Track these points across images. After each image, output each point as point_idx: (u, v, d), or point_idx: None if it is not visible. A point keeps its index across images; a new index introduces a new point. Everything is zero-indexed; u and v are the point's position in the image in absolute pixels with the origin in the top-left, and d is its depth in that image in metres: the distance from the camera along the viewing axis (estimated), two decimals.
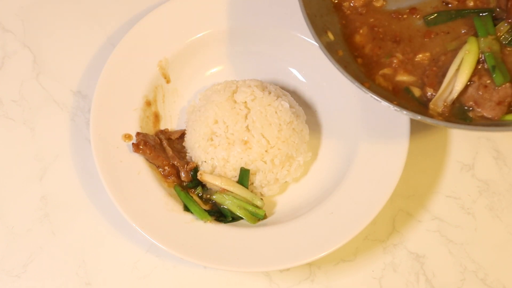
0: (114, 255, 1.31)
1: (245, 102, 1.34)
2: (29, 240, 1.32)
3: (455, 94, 1.15)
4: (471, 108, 1.15)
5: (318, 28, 1.15)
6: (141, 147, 1.30)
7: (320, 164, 1.38)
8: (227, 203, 1.29)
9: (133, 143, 1.31)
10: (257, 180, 1.32)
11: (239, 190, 1.30)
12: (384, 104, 1.07)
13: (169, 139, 1.37)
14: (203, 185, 1.33)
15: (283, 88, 1.43)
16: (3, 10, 1.55)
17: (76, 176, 1.37)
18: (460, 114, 1.15)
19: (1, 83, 1.47)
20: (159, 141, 1.36)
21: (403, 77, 1.19)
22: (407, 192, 1.36)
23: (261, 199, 1.31)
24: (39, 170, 1.38)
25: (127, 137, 1.33)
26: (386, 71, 1.20)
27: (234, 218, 1.29)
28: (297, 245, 1.22)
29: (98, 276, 1.29)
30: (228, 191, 1.30)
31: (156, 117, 1.40)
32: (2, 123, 1.43)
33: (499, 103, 1.13)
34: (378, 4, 1.25)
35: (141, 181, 1.29)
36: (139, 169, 1.30)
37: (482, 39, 1.17)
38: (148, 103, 1.38)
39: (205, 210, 1.28)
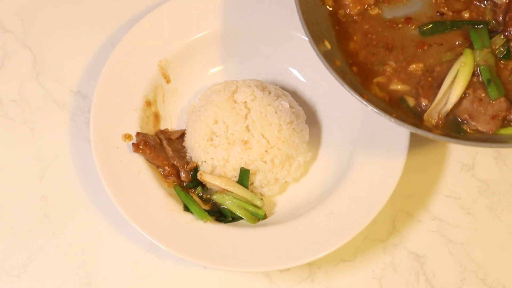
0: (114, 255, 1.31)
1: (245, 102, 1.34)
2: (29, 240, 1.32)
3: (449, 106, 1.14)
4: (465, 121, 1.14)
5: (316, 37, 1.15)
6: (141, 147, 1.30)
7: (320, 164, 1.38)
8: (227, 203, 1.29)
9: (133, 143, 1.31)
10: (257, 180, 1.32)
11: (239, 190, 1.30)
12: (384, 117, 1.06)
13: (169, 139, 1.37)
14: (203, 185, 1.33)
15: (283, 88, 1.43)
16: (3, 10, 1.54)
17: (76, 176, 1.37)
18: (454, 126, 1.15)
19: (1, 83, 1.47)
20: (159, 141, 1.36)
21: (397, 86, 1.19)
22: (407, 192, 1.36)
23: (261, 199, 1.31)
24: (39, 170, 1.38)
25: (127, 137, 1.33)
26: (380, 79, 1.19)
27: (234, 218, 1.29)
28: (297, 245, 1.22)
29: (98, 276, 1.29)
30: (228, 191, 1.30)
31: (156, 117, 1.40)
32: (2, 123, 1.43)
33: (493, 117, 1.13)
34: (373, 12, 1.25)
35: (141, 181, 1.29)
36: (139, 169, 1.30)
37: (478, 51, 1.16)
38: (148, 103, 1.38)
39: (205, 210, 1.28)
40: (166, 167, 1.32)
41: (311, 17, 1.18)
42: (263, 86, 1.37)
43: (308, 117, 1.41)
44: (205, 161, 1.33)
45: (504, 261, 1.32)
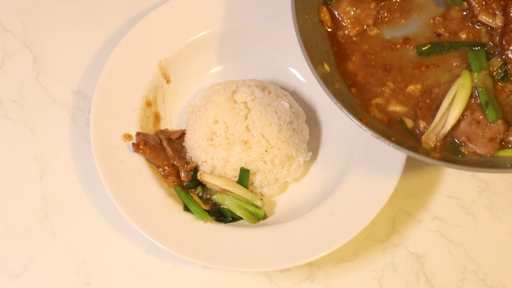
0: (114, 255, 1.31)
1: (245, 102, 1.34)
2: (29, 240, 1.32)
3: (447, 128, 1.14)
4: (463, 143, 1.14)
5: (315, 59, 1.14)
6: (141, 147, 1.30)
7: (320, 164, 1.38)
8: (227, 203, 1.29)
9: (133, 143, 1.31)
10: (257, 180, 1.32)
11: (239, 190, 1.30)
12: (383, 142, 1.07)
13: (169, 139, 1.37)
14: (203, 185, 1.33)
15: (283, 88, 1.43)
16: (3, 10, 1.54)
17: (76, 176, 1.37)
18: (452, 149, 1.14)
19: (1, 83, 1.47)
20: (159, 141, 1.36)
21: (395, 108, 1.18)
22: (407, 192, 1.36)
23: (261, 199, 1.31)
24: (39, 170, 1.38)
25: (127, 137, 1.33)
26: (378, 100, 1.19)
27: (234, 218, 1.29)
28: (297, 245, 1.22)
29: (98, 276, 1.29)
30: (228, 191, 1.30)
31: (156, 117, 1.40)
32: (2, 123, 1.43)
33: (491, 139, 1.13)
34: (372, 33, 1.24)
35: (141, 181, 1.29)
36: (139, 169, 1.30)
37: (475, 73, 1.16)
38: (148, 103, 1.38)
39: (205, 210, 1.28)
40: (166, 167, 1.32)
41: (310, 39, 1.18)
42: (263, 86, 1.37)
43: (308, 117, 1.41)
44: (205, 161, 1.33)
45: (504, 261, 1.32)
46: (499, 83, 1.17)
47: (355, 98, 1.19)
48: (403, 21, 1.25)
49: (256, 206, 1.30)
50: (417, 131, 1.16)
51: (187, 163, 1.34)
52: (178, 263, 1.30)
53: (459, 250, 1.32)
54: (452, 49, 1.21)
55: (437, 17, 1.23)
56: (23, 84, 1.47)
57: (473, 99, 1.15)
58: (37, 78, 1.47)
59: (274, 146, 1.32)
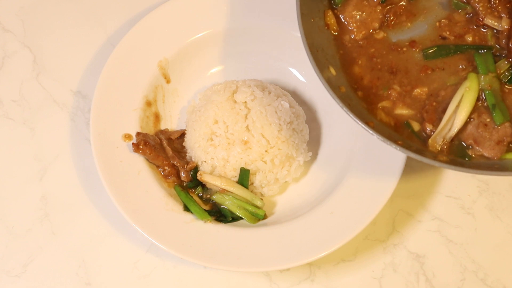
0: (114, 255, 1.31)
1: (245, 102, 1.34)
2: (29, 240, 1.32)
3: (454, 131, 1.13)
4: (470, 146, 1.14)
5: (320, 63, 1.14)
6: (141, 147, 1.30)
7: (320, 164, 1.38)
8: (227, 203, 1.29)
9: (133, 143, 1.31)
10: (257, 180, 1.32)
11: (239, 190, 1.30)
12: (390, 145, 1.06)
13: (169, 139, 1.37)
14: (203, 185, 1.33)
15: (283, 88, 1.43)
16: (3, 10, 1.54)
17: (76, 176, 1.37)
18: (459, 151, 1.14)
19: (1, 83, 1.47)
20: (159, 141, 1.36)
21: (402, 111, 1.18)
22: (407, 192, 1.36)
23: (261, 199, 1.31)
24: (39, 170, 1.38)
25: (127, 137, 1.33)
26: (385, 103, 1.19)
27: (234, 218, 1.29)
28: (297, 245, 1.22)
29: (98, 276, 1.29)
30: (228, 191, 1.30)
31: (156, 117, 1.40)
32: (2, 123, 1.43)
33: (498, 142, 1.12)
34: (379, 37, 1.24)
35: (141, 181, 1.29)
36: (139, 169, 1.30)
37: (482, 76, 1.15)
38: (148, 103, 1.38)
39: (205, 210, 1.28)
40: (166, 167, 1.32)
41: (316, 43, 1.18)
42: (263, 86, 1.38)
43: (308, 117, 1.41)
44: (205, 161, 1.33)
45: (504, 261, 1.32)
46: (506, 86, 1.16)
47: (362, 102, 1.18)
48: (409, 24, 1.25)
49: (256, 206, 1.30)
50: (424, 134, 1.16)
51: (187, 163, 1.34)
52: (178, 263, 1.30)
53: (459, 250, 1.32)
54: (458, 52, 1.21)
55: (442, 20, 1.23)
56: (23, 84, 1.47)
57: (480, 102, 1.15)
58: (37, 78, 1.47)
59: (274, 146, 1.32)
